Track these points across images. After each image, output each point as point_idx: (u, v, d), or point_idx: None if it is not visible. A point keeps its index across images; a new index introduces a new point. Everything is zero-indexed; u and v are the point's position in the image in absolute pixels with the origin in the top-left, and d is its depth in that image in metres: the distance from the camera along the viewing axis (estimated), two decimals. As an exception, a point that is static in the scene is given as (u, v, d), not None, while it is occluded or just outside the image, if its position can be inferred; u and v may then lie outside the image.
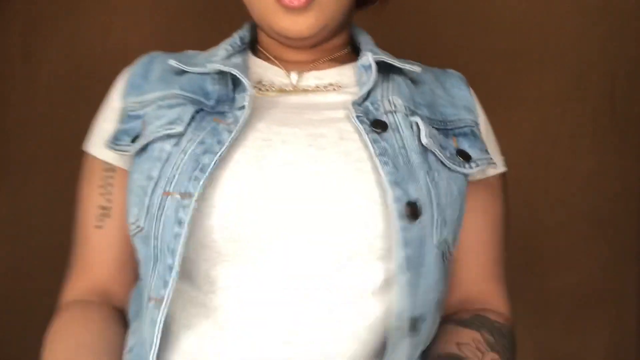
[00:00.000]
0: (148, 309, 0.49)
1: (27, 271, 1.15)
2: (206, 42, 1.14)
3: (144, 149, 0.54)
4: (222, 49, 0.62)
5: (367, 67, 0.58)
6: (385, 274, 0.49)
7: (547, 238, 1.18)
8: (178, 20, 1.15)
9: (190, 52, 0.67)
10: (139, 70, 0.62)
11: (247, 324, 0.48)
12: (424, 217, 0.48)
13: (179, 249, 0.46)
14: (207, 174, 0.47)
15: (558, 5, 1.18)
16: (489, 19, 1.18)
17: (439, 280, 0.51)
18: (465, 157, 0.57)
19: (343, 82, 0.60)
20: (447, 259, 0.54)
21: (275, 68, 0.61)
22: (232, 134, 0.50)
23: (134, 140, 0.55)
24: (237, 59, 0.59)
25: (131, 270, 0.59)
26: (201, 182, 0.47)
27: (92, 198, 0.60)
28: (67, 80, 1.14)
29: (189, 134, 0.51)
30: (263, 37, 0.64)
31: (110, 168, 0.59)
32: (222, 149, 0.49)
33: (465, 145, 0.58)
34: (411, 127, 0.53)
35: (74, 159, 1.16)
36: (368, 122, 0.52)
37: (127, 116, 0.58)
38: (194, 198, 0.47)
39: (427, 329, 0.51)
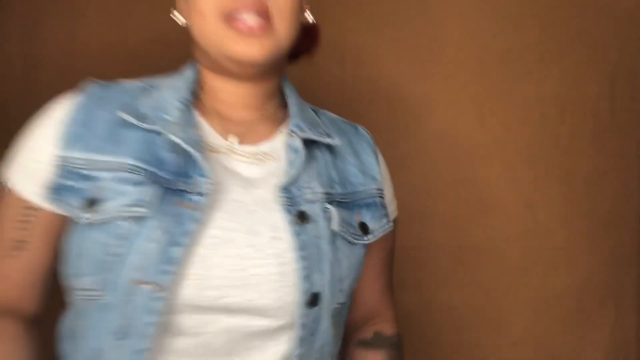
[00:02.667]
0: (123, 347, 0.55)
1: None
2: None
3: (100, 221, 0.55)
4: (173, 105, 0.62)
5: (296, 150, 0.64)
6: (288, 344, 0.61)
7: (547, 238, 1.18)
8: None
9: (129, 84, 0.67)
10: (78, 116, 0.60)
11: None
12: (323, 303, 0.60)
13: (152, 332, 0.54)
14: (177, 267, 0.54)
15: (558, 5, 1.18)
16: (487, 20, 1.18)
17: (332, 335, 0.64)
18: (365, 230, 0.67)
19: (274, 153, 0.66)
20: (342, 313, 0.67)
21: (215, 134, 0.65)
22: (196, 226, 0.55)
23: (89, 205, 0.56)
24: (189, 130, 0.61)
25: (41, 286, 0.63)
26: (171, 276, 0.53)
27: (6, 230, 0.61)
28: (67, 80, 1.15)
29: (153, 219, 0.55)
30: (208, 82, 0.67)
31: (32, 207, 0.59)
32: (188, 241, 0.55)
33: (367, 218, 0.69)
34: (324, 213, 0.62)
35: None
36: (294, 213, 0.60)
37: (72, 172, 0.58)
38: (167, 291, 0.53)
39: None
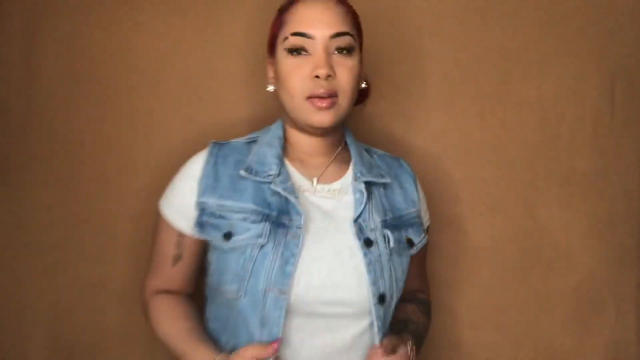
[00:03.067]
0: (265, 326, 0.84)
1: (27, 270, 1.15)
2: (209, 42, 1.14)
3: (233, 247, 0.85)
4: (272, 161, 0.90)
5: (361, 191, 0.91)
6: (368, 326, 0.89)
7: (547, 238, 1.18)
8: (182, 20, 1.15)
9: (237, 143, 0.95)
10: (209, 172, 0.90)
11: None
12: (387, 301, 0.87)
13: (282, 322, 0.82)
14: (290, 278, 0.82)
15: (558, 5, 1.18)
16: (487, 19, 1.18)
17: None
18: (411, 243, 0.94)
19: (344, 189, 0.92)
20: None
21: (300, 175, 0.92)
22: (299, 249, 0.83)
23: (226, 237, 0.85)
24: (285, 180, 0.89)
25: (192, 281, 0.97)
26: (289, 284, 0.82)
27: (169, 249, 0.92)
28: (67, 80, 1.15)
29: (270, 246, 0.83)
30: (292, 136, 0.94)
31: (183, 234, 0.91)
32: (296, 260, 0.83)
33: (411, 234, 0.95)
34: (384, 237, 0.89)
35: (74, 158, 1.16)
36: (362, 240, 0.87)
37: (209, 213, 0.87)
38: (287, 294, 0.82)
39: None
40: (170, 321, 0.90)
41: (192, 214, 0.89)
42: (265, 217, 0.85)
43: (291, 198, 0.86)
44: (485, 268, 1.18)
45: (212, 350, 0.83)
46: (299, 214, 0.85)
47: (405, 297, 1.00)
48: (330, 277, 0.83)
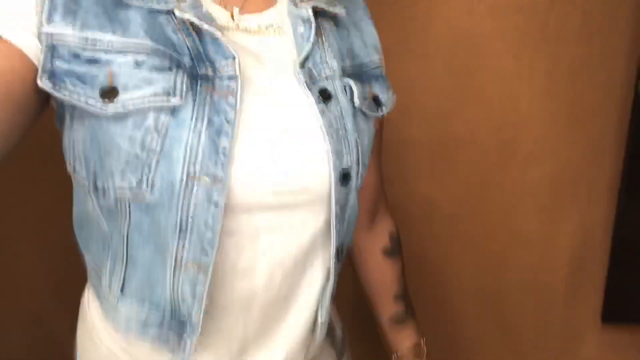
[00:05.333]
0: (182, 270, 0.55)
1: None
2: None
3: (122, 112, 0.50)
4: None
5: (305, 20, 0.60)
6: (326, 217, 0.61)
7: (527, 130, 1.18)
8: None
9: None
10: None
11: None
12: (350, 183, 0.61)
13: (218, 226, 0.53)
14: (229, 157, 0.52)
15: None
16: None
17: (356, 211, 0.65)
18: (378, 103, 0.67)
19: (280, 24, 0.62)
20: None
21: (213, 4, 0.59)
22: (236, 112, 0.53)
23: (106, 96, 0.50)
24: (195, 6, 0.54)
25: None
26: (228, 167, 0.52)
27: None
28: None
29: (189, 109, 0.52)
30: None
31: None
32: (234, 130, 0.52)
33: (377, 90, 0.67)
34: (345, 89, 0.62)
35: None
36: (315, 91, 0.59)
37: (69, 55, 0.50)
38: (223, 182, 0.52)
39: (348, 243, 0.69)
40: None
41: (32, 41, 0.49)
42: (175, 63, 0.52)
43: (213, 32, 0.53)
44: (465, 160, 1.19)
45: None
46: (227, 57, 0.53)
47: (384, 246, 0.81)
48: (280, 152, 0.56)
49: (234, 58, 0.53)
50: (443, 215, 1.21)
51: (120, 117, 0.51)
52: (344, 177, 0.59)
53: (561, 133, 1.18)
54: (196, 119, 0.51)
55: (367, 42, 0.69)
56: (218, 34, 0.53)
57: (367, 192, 0.75)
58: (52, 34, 0.49)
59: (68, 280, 0.84)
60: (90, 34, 0.50)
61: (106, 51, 0.50)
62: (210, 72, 0.53)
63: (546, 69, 1.15)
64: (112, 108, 0.50)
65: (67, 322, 0.77)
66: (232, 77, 0.53)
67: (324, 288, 0.64)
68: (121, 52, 0.50)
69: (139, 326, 0.59)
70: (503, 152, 1.19)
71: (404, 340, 0.81)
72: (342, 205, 0.61)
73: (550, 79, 1.15)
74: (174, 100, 0.51)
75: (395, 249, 0.81)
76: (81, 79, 0.50)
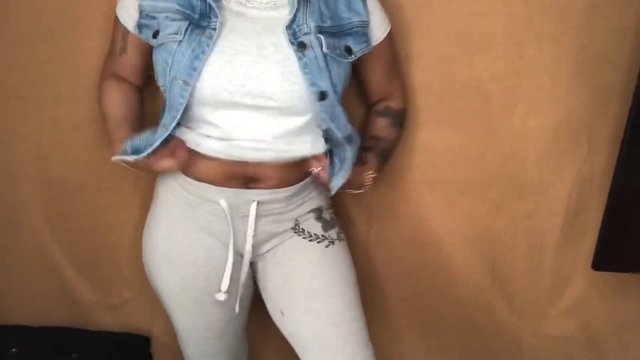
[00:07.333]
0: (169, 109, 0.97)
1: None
2: None
3: (160, 44, 0.95)
4: None
5: None
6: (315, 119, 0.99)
7: (532, 77, 1.16)
8: None
9: None
10: None
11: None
12: (329, 97, 0.95)
13: (182, 108, 0.93)
14: (198, 70, 0.91)
15: None
16: None
17: (344, 116, 1.01)
18: (349, 51, 0.99)
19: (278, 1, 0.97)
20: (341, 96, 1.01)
21: None
22: (210, 47, 0.91)
23: (154, 36, 0.96)
24: None
25: (141, 74, 1.07)
26: (196, 76, 0.91)
27: (117, 40, 1.02)
28: None
29: (185, 42, 0.92)
30: None
31: (126, 31, 1.00)
32: (205, 56, 0.91)
33: (351, 42, 0.99)
34: (318, 41, 0.94)
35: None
36: (296, 44, 0.93)
37: (145, 15, 0.96)
38: (191, 85, 0.91)
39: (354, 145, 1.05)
40: (111, 103, 1.03)
41: (134, 14, 0.97)
42: (186, 17, 0.93)
43: (211, 2, 0.92)
44: (467, 108, 1.18)
45: (127, 137, 0.96)
46: (216, 17, 0.92)
47: (377, 109, 1.13)
48: (251, 71, 0.91)
49: (217, 17, 0.93)
50: (442, 161, 1.23)
51: (159, 46, 0.95)
52: (321, 95, 0.94)
53: (567, 82, 1.16)
54: (186, 48, 0.92)
55: (351, 9, 0.99)
56: (213, 3, 0.92)
57: (377, 95, 1.12)
58: (141, 4, 0.96)
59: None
60: (155, 3, 0.95)
61: (157, 12, 0.95)
62: (205, 24, 0.93)
63: (556, 14, 1.12)
64: (155, 42, 0.96)
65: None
66: (214, 28, 0.92)
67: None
68: (162, 12, 0.95)
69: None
70: (506, 100, 1.18)
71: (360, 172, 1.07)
72: (328, 111, 0.96)
73: (558, 24, 1.12)
74: (178, 37, 0.92)
75: (385, 114, 1.12)
76: (146, 26, 0.97)
